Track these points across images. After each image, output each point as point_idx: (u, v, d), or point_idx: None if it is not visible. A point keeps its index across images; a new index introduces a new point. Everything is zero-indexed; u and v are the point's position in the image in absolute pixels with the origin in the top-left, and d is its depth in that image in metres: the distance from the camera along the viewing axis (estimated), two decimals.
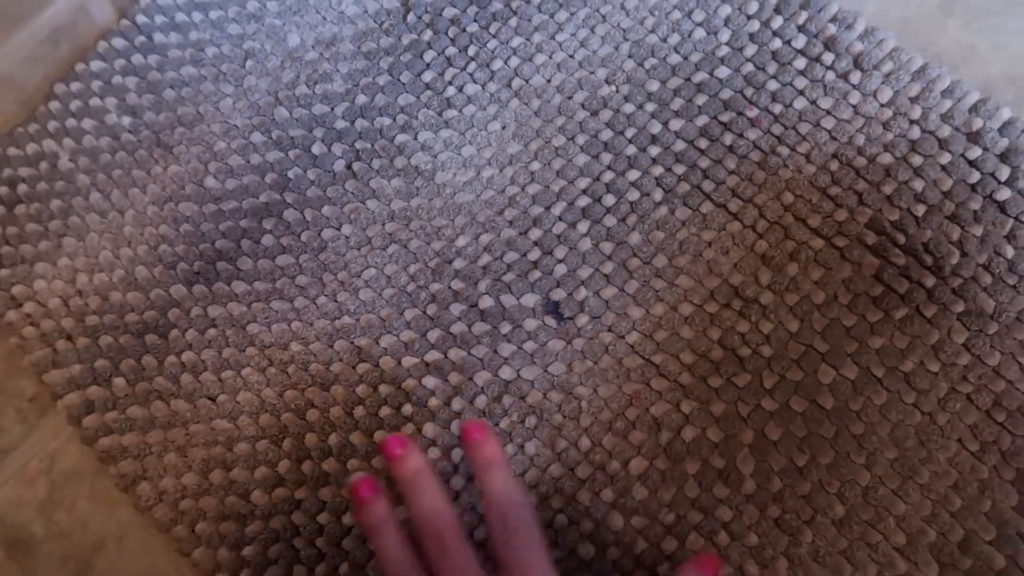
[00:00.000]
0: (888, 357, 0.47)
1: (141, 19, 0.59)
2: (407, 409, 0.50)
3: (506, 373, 0.50)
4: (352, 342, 0.51)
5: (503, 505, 0.38)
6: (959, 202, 0.48)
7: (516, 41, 0.56)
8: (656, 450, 0.47)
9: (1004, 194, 0.48)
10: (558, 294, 0.51)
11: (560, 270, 0.51)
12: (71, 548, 0.52)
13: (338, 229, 0.54)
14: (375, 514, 0.39)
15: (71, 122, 0.58)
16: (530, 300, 0.51)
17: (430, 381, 0.50)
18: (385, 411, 0.50)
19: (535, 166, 0.54)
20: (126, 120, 0.58)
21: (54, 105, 0.58)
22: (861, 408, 0.46)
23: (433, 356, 0.50)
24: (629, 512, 0.46)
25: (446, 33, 0.57)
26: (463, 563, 0.37)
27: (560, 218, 0.52)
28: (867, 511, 0.45)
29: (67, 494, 0.53)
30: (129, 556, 0.51)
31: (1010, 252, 0.47)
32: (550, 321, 0.50)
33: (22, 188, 0.57)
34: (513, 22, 0.57)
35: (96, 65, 0.59)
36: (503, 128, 0.55)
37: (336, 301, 0.52)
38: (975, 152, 0.49)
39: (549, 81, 0.55)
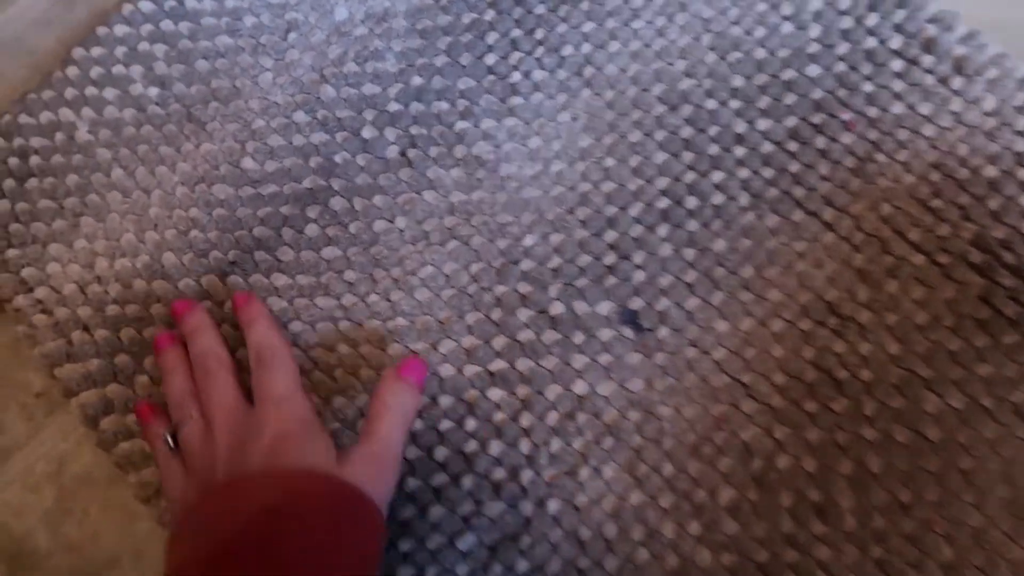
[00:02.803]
0: (997, 387, 0.41)
1: None
2: (470, 424, 0.43)
3: (579, 388, 0.43)
4: (407, 346, 0.44)
5: (258, 347, 0.42)
6: None
7: (588, 26, 0.49)
8: (746, 479, 0.41)
9: None
10: (636, 303, 0.44)
11: (638, 277, 0.44)
12: (80, 563, 0.44)
13: (391, 221, 0.46)
14: (170, 358, 0.43)
15: (91, 90, 0.50)
16: (605, 308, 0.44)
17: (495, 393, 0.43)
18: (445, 424, 0.43)
19: (609, 162, 0.47)
20: (153, 91, 0.50)
21: (72, 71, 0.50)
22: (969, 441, 0.40)
23: (498, 365, 0.44)
24: (718, 548, 0.40)
25: (510, 14, 0.50)
26: (223, 387, 0.41)
27: (638, 220, 0.45)
28: (978, 555, 0.39)
29: (77, 503, 0.45)
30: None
31: None
32: (627, 332, 0.44)
33: (35, 160, 0.49)
34: (585, 5, 0.50)
35: (120, 30, 0.51)
36: (573, 119, 0.48)
37: (389, 300, 0.45)
38: None
39: (624, 71, 0.49)
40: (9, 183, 0.48)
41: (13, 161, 0.49)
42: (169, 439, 0.41)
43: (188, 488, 0.39)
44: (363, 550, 0.35)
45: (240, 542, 0.34)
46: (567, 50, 0.49)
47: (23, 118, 0.50)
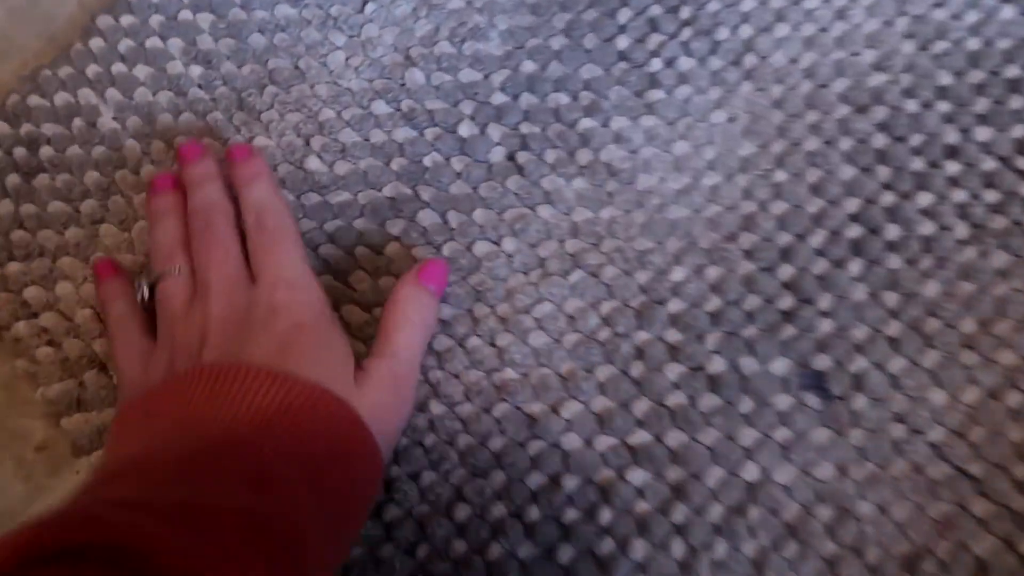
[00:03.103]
0: None
1: None
2: (604, 516, 0.34)
3: (750, 473, 0.34)
4: (519, 407, 0.35)
5: (259, 210, 0.35)
6: None
7: (748, 4, 0.41)
8: None
9: None
10: (822, 362, 0.35)
11: (824, 327, 0.35)
12: None
13: (496, 243, 0.38)
14: (164, 202, 0.37)
15: (118, 68, 0.42)
16: (781, 367, 0.35)
17: (637, 476, 0.34)
18: (571, 515, 0.34)
19: (779, 176, 0.38)
20: (196, 71, 0.42)
21: (96, 43, 0.42)
22: None
23: (640, 438, 0.35)
24: None
25: None
26: (226, 247, 0.35)
27: (821, 252, 0.36)
28: None
29: None
30: None
31: None
32: (811, 400, 0.34)
33: (46, 152, 0.41)
34: None
35: None
36: (731, 120, 0.39)
37: (495, 346, 0.36)
38: None
39: (795, 61, 0.40)
40: (13, 179, 0.40)
41: (20, 152, 0.40)
42: (145, 289, 0.35)
43: (154, 360, 0.33)
44: (359, 508, 0.31)
45: (217, 452, 0.28)
46: (721, 33, 0.40)
47: (34, 99, 0.41)
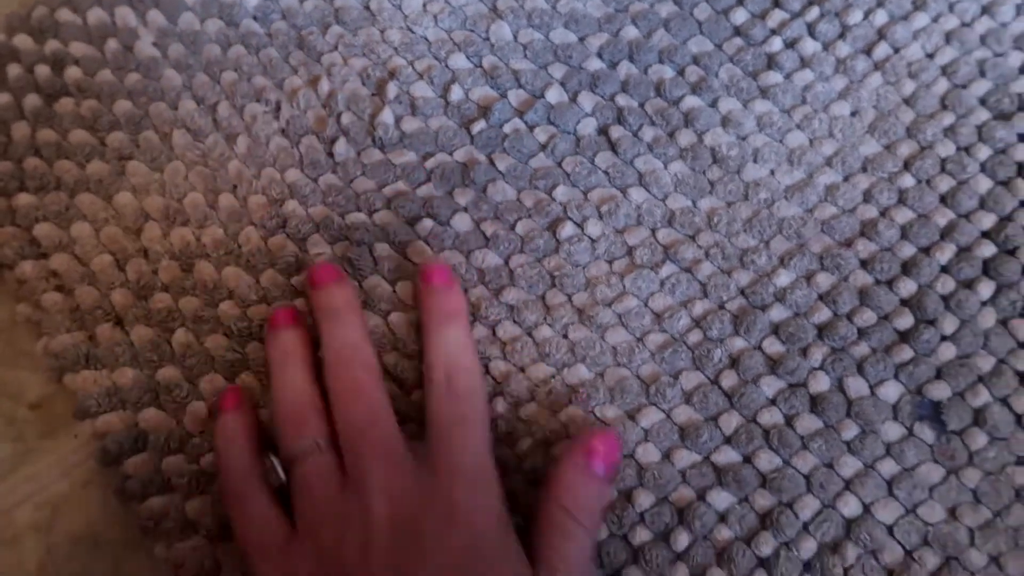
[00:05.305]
0: None
1: None
2: (680, 540, 0.36)
3: (849, 507, 0.36)
4: (591, 411, 0.38)
5: (452, 366, 0.36)
6: None
7: None
8: None
9: None
10: (940, 391, 0.38)
11: (946, 353, 0.38)
12: None
13: (579, 225, 0.41)
14: (288, 342, 0.38)
15: None
16: (893, 393, 0.38)
17: (720, 498, 0.37)
18: (642, 535, 0.36)
19: (906, 181, 0.41)
20: (251, 1, 0.44)
21: None
22: None
23: (726, 457, 0.37)
24: None
25: None
26: (377, 408, 0.36)
27: (947, 270, 0.39)
28: None
29: (72, 573, 0.39)
30: None
31: None
32: (925, 432, 0.37)
33: (73, 73, 0.44)
34: None
35: None
36: (854, 114, 0.42)
37: (567, 338, 0.39)
38: None
39: (931, 56, 0.43)
40: (33, 100, 0.43)
41: (42, 71, 0.44)
42: (280, 472, 0.35)
43: (295, 554, 0.34)
44: None
45: None
46: (853, 16, 0.43)
47: (64, 14, 0.45)
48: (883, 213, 0.40)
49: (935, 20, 0.43)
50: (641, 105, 0.43)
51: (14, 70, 0.43)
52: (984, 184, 0.41)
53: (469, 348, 0.37)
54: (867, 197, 0.41)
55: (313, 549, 0.33)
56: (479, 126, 0.42)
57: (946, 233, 0.40)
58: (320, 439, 0.35)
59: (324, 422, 0.36)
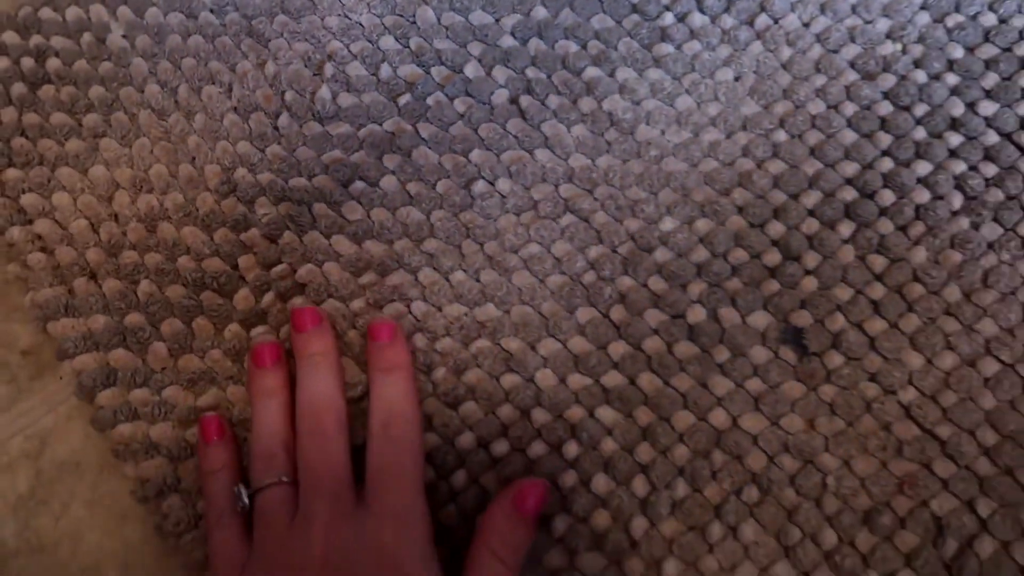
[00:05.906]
0: None
1: None
2: (571, 449, 0.41)
3: (718, 419, 0.41)
4: (498, 343, 0.43)
5: (391, 414, 0.40)
6: None
7: None
8: (936, 566, 0.39)
9: None
10: (802, 318, 0.42)
11: (808, 285, 0.43)
12: (53, 569, 0.44)
13: (491, 183, 0.46)
14: (270, 383, 0.41)
15: None
16: (761, 321, 0.43)
17: (607, 414, 0.42)
18: (537, 448, 0.41)
19: (780, 136, 0.45)
20: None
21: None
22: None
23: (614, 380, 0.42)
24: None
25: None
26: (334, 452, 0.39)
27: (813, 213, 0.44)
28: None
29: (57, 493, 0.45)
30: None
31: None
32: (788, 354, 0.42)
33: (53, 63, 0.49)
34: None
35: None
36: (737, 79, 0.47)
37: (479, 281, 0.44)
38: None
39: (807, 25, 0.47)
40: (19, 88, 0.49)
41: (27, 63, 0.49)
42: (245, 499, 0.40)
43: (248, 573, 0.38)
44: None
45: None
46: None
47: (46, 12, 0.50)
48: (759, 165, 0.45)
49: None
50: (548, 77, 0.47)
51: (2, 63, 0.49)
52: (849, 137, 0.45)
53: (409, 398, 0.41)
54: (745, 152, 0.45)
55: (262, 570, 0.38)
56: (405, 99, 0.47)
57: (813, 181, 0.45)
58: (285, 476, 0.39)
59: (291, 460, 0.40)
